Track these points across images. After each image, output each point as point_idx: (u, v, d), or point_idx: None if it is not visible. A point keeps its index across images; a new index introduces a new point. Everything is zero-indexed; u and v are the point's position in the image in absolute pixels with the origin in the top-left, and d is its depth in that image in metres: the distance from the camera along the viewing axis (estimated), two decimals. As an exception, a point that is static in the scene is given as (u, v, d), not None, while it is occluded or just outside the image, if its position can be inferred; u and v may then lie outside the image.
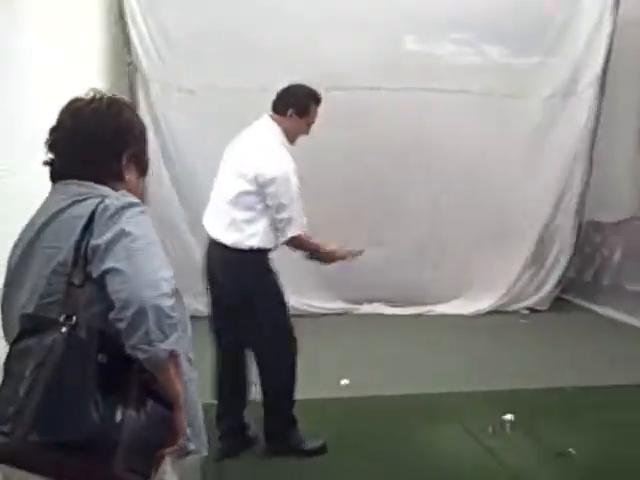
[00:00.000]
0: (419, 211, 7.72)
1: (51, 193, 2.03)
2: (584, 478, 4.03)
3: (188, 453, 2.05)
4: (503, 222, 7.78)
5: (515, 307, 7.97)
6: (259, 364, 4.16)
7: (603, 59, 7.60)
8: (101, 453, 1.67)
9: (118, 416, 1.70)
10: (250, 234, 4.00)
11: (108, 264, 1.76)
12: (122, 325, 1.74)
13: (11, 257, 2.01)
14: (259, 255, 4.04)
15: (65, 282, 1.81)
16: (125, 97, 6.56)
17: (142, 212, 1.89)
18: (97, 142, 1.99)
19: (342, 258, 4.30)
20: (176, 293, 1.88)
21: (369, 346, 6.34)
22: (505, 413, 4.67)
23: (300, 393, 4.23)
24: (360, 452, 4.24)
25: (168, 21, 6.98)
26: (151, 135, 7.06)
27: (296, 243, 4.09)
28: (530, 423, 4.58)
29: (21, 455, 1.66)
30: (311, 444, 4.23)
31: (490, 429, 4.58)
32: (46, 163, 2.03)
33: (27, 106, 3.73)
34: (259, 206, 3.99)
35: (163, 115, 7.08)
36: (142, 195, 2.16)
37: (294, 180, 3.99)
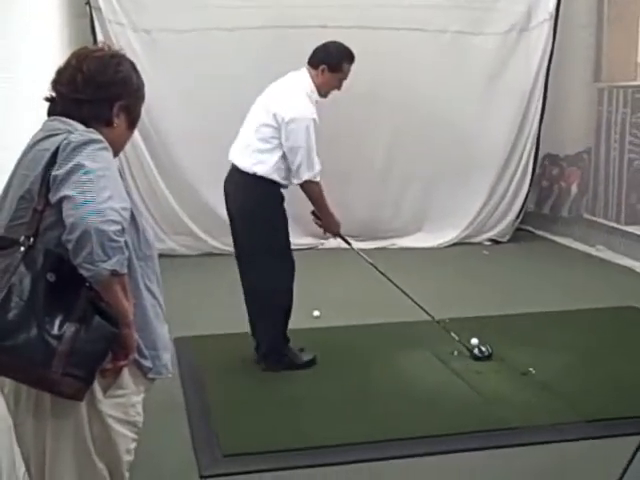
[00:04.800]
0: (378, 148, 7.82)
1: (41, 127, 2.17)
2: (542, 393, 4.22)
3: (146, 372, 2.22)
4: (463, 157, 7.90)
5: (477, 239, 8.16)
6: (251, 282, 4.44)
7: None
8: (39, 358, 1.90)
9: (57, 328, 1.92)
10: (259, 161, 4.29)
11: (63, 192, 1.93)
12: (70, 246, 1.92)
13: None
14: (265, 183, 4.30)
15: (31, 208, 2.00)
16: (86, 35, 6.64)
17: (102, 148, 2.03)
18: (94, 86, 2.14)
19: (336, 233, 4.70)
20: (135, 226, 2.11)
21: (337, 279, 6.50)
22: (471, 338, 4.84)
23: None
24: (334, 378, 4.40)
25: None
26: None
27: (310, 189, 4.37)
28: (494, 346, 4.74)
29: None
30: (305, 357, 4.55)
31: (455, 352, 4.76)
32: (47, 99, 2.19)
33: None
34: (274, 141, 4.27)
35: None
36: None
37: (310, 127, 4.23)
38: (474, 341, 4.79)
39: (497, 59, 7.86)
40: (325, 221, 4.58)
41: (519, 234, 8.39)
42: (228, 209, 4.50)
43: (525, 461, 3.55)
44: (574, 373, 4.53)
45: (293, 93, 4.35)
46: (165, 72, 6.81)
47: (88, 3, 6.90)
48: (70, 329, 1.93)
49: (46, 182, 1.97)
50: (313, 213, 4.57)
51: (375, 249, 7.17)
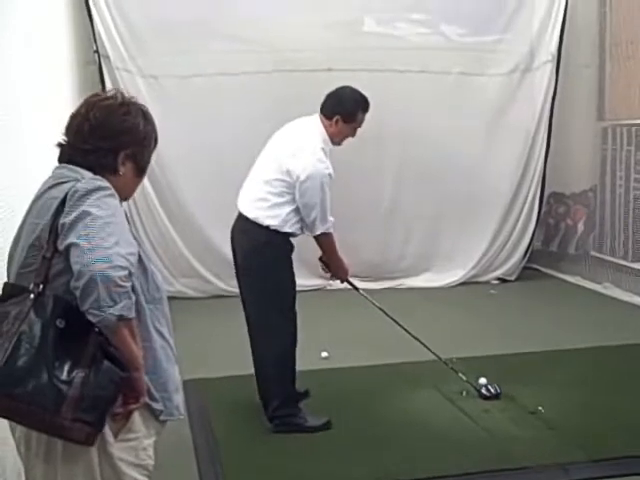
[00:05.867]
0: (384, 189, 7.89)
1: (51, 174, 2.23)
2: (550, 432, 4.21)
3: (158, 415, 2.24)
4: (469, 196, 7.95)
5: (484, 278, 8.16)
6: (253, 340, 4.37)
7: (558, 36, 7.79)
8: (49, 404, 1.91)
9: (67, 374, 1.94)
10: (272, 215, 4.18)
11: (70, 239, 1.98)
12: (77, 293, 1.96)
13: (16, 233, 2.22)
14: (276, 236, 4.20)
15: (40, 255, 2.04)
16: (94, 82, 6.74)
17: (108, 195, 2.08)
18: (98, 136, 2.18)
19: (344, 279, 4.58)
20: (143, 270, 2.15)
21: (345, 320, 6.51)
22: (478, 378, 4.83)
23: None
24: (341, 420, 4.37)
25: (130, 10, 7.10)
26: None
27: (323, 240, 4.31)
28: (502, 386, 4.74)
29: None
30: (315, 421, 4.31)
31: (464, 392, 4.76)
32: (58, 145, 2.24)
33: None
34: (288, 196, 4.17)
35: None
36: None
37: (325, 184, 4.13)
38: (482, 380, 4.79)
39: (501, 100, 7.95)
40: (334, 268, 4.52)
41: (526, 273, 8.39)
42: (234, 256, 4.41)
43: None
44: (582, 411, 4.51)
45: (308, 148, 4.18)
46: (173, 117, 6.89)
47: (97, 51, 7.02)
48: (79, 374, 1.95)
49: (55, 230, 2.02)
50: (321, 259, 4.52)
51: (383, 289, 7.21)
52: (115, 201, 2.09)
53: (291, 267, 4.32)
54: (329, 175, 4.16)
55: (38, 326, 1.93)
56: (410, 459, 3.93)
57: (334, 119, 4.27)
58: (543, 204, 8.33)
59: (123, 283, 1.95)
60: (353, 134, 4.41)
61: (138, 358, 2.07)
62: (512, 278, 8.25)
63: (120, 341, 2.02)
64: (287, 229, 4.21)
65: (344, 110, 4.29)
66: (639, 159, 7.55)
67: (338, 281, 4.67)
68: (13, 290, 2.05)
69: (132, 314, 2.03)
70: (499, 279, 8.22)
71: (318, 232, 4.24)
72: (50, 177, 2.21)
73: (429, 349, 4.88)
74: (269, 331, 4.28)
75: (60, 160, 2.24)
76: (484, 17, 7.86)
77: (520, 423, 4.34)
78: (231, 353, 5.33)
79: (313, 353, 5.39)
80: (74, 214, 1.99)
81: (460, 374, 4.77)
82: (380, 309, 4.87)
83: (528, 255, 8.35)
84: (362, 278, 7.35)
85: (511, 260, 8.25)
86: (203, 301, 7.37)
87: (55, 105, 5.07)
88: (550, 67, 7.85)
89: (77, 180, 2.08)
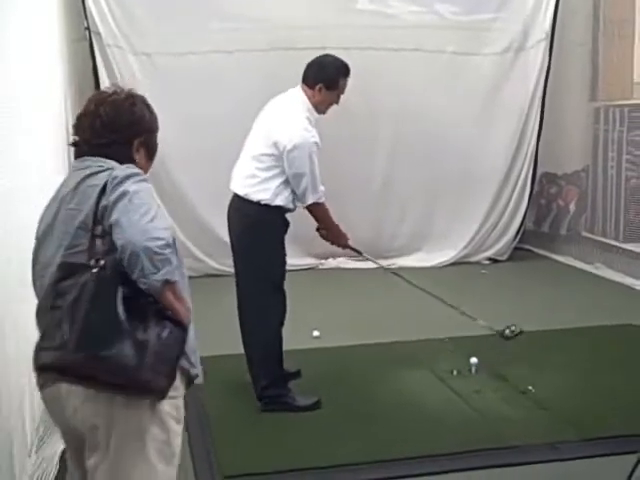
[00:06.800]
0: (376, 169, 7.89)
1: (72, 168, 2.45)
2: (541, 412, 4.24)
3: (193, 377, 2.44)
4: (461, 176, 7.96)
5: (476, 258, 8.19)
6: (241, 319, 4.38)
7: (552, 15, 7.78)
8: (133, 362, 2.13)
9: (142, 334, 2.16)
10: (262, 189, 4.20)
11: (112, 218, 2.19)
12: (124, 264, 2.15)
13: (42, 219, 2.41)
14: (268, 212, 4.21)
15: (89, 235, 2.24)
16: (85, 59, 6.70)
17: (142, 180, 2.30)
18: (111, 130, 2.39)
19: (345, 245, 4.58)
20: (174, 242, 2.27)
21: (337, 299, 6.53)
22: (470, 357, 4.86)
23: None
24: (333, 398, 4.39)
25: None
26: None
27: (316, 210, 4.31)
28: (493, 365, 4.78)
29: (72, 366, 2.15)
30: (304, 401, 4.31)
31: (455, 371, 4.79)
32: (72, 144, 2.46)
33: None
34: (276, 169, 4.18)
35: (121, 78, 7.12)
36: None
37: (313, 153, 4.14)
38: (473, 360, 4.81)
39: (494, 79, 7.94)
40: (333, 235, 4.52)
41: (518, 253, 8.42)
42: (230, 236, 4.44)
43: (525, 480, 3.56)
44: (573, 391, 4.55)
45: (292, 118, 4.20)
46: (165, 95, 6.83)
47: (87, 28, 6.97)
48: (152, 335, 2.17)
49: (100, 212, 2.23)
50: (318, 229, 4.51)
51: (375, 269, 7.20)
52: (148, 184, 2.30)
53: (282, 247, 4.32)
54: (316, 144, 4.17)
55: (106, 295, 2.14)
56: (401, 438, 3.94)
57: (317, 87, 4.27)
58: (535, 184, 8.34)
59: (162, 251, 2.14)
60: (337, 101, 4.40)
61: (185, 318, 2.27)
62: (503, 258, 8.28)
63: (167, 303, 2.21)
64: (278, 202, 4.21)
65: (326, 77, 4.28)
66: (631, 140, 7.56)
67: (340, 248, 4.67)
68: (64, 268, 2.23)
69: (175, 278, 2.21)
70: (490, 259, 8.24)
71: (310, 202, 4.24)
72: (76, 169, 2.39)
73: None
74: (256, 311, 4.30)
75: (76, 156, 2.43)
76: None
77: (511, 403, 4.36)
78: (224, 332, 5.32)
79: (305, 332, 5.41)
80: (114, 195, 2.20)
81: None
82: (385, 268, 4.80)
83: (520, 235, 8.37)
84: (354, 257, 7.37)
85: (502, 240, 8.27)
86: (195, 280, 7.33)
87: (46, 85, 5.05)
88: (544, 46, 7.83)
89: (112, 169, 2.30)
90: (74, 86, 6.45)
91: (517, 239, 8.37)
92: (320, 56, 4.46)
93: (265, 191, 4.20)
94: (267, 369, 4.30)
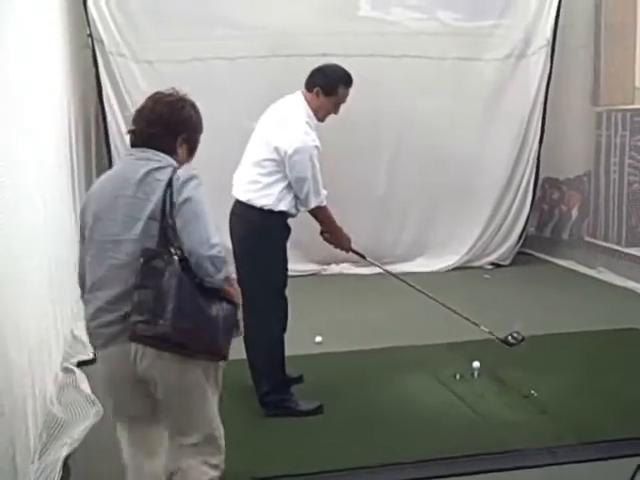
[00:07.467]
0: (379, 174, 7.91)
1: (130, 156, 2.88)
2: (543, 416, 4.25)
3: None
4: (463, 182, 7.98)
5: (478, 263, 8.20)
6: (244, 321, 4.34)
7: (553, 22, 7.80)
8: (210, 333, 2.72)
9: (214, 311, 2.72)
10: (265, 194, 4.21)
11: (178, 224, 2.66)
12: (192, 265, 2.68)
13: (97, 198, 2.81)
14: (270, 217, 4.22)
15: (158, 226, 2.68)
16: (88, 66, 6.72)
17: (199, 184, 2.76)
18: (163, 124, 2.84)
19: (348, 247, 4.60)
20: None
21: (339, 305, 6.53)
22: (472, 361, 4.86)
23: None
24: (336, 403, 4.39)
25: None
26: (114, 105, 7.17)
27: (319, 213, 4.34)
28: (496, 370, 4.78)
29: (168, 336, 2.62)
30: (306, 405, 4.32)
31: (457, 376, 4.79)
32: (129, 132, 2.89)
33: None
34: (278, 174, 4.20)
35: (124, 85, 7.16)
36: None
37: (314, 156, 4.16)
38: (475, 364, 4.82)
39: (496, 85, 7.96)
40: (337, 240, 4.54)
41: (520, 257, 8.42)
42: (232, 242, 4.41)
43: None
44: (575, 395, 4.54)
45: (292, 122, 4.22)
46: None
47: (90, 35, 6.99)
48: (219, 312, 2.73)
49: (169, 204, 2.67)
50: (322, 233, 4.53)
51: (377, 274, 7.21)
52: (203, 187, 2.76)
53: (284, 253, 4.33)
54: (316, 147, 4.18)
55: (187, 280, 2.64)
56: (403, 442, 3.95)
57: (314, 90, 4.29)
58: (537, 189, 8.35)
59: (220, 255, 2.68)
60: (336, 110, 4.39)
61: (236, 299, 2.85)
62: (506, 263, 8.28)
63: (225, 291, 2.78)
64: (281, 207, 4.22)
65: (324, 81, 4.30)
66: (633, 145, 7.57)
67: (344, 252, 4.68)
68: (153, 254, 2.64)
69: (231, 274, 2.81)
70: (493, 264, 8.25)
71: (313, 205, 4.26)
72: (136, 158, 2.82)
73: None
74: (258, 317, 4.27)
75: (134, 144, 2.86)
76: (480, 2, 7.87)
77: (514, 407, 4.37)
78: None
79: (307, 338, 5.41)
80: (180, 198, 2.67)
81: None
82: (389, 273, 4.82)
83: (522, 240, 8.38)
84: (355, 263, 7.39)
85: (505, 245, 8.28)
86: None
87: (49, 89, 5.07)
88: (545, 51, 7.86)
89: (172, 165, 2.76)
90: (78, 92, 6.49)
91: (520, 244, 8.38)
92: (324, 64, 4.48)
93: (268, 197, 4.21)
94: (269, 374, 4.32)
